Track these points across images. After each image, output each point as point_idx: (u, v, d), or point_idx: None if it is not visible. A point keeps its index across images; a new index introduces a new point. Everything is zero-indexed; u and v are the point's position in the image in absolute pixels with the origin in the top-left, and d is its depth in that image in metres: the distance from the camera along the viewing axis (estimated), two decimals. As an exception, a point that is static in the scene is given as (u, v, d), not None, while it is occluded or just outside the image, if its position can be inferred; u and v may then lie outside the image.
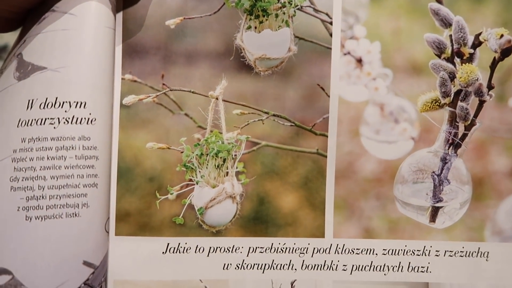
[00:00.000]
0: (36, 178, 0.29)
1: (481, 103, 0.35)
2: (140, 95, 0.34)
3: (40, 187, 0.29)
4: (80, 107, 0.30)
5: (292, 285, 0.35)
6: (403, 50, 0.35)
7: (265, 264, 0.35)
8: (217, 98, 0.34)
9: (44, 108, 0.30)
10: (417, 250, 0.35)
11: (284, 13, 0.34)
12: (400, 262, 0.35)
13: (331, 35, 0.34)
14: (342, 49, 0.35)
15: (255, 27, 0.34)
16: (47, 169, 0.29)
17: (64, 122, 0.30)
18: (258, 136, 0.35)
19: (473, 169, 0.36)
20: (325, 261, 0.35)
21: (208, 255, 0.34)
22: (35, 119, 0.29)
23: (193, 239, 0.34)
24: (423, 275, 0.35)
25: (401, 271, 0.35)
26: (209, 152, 0.34)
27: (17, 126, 0.29)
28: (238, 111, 0.34)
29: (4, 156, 0.29)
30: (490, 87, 0.35)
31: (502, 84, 0.36)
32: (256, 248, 0.35)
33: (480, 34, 0.35)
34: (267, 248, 0.35)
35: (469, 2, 0.36)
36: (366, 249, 0.35)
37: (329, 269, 0.35)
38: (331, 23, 0.34)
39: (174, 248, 0.34)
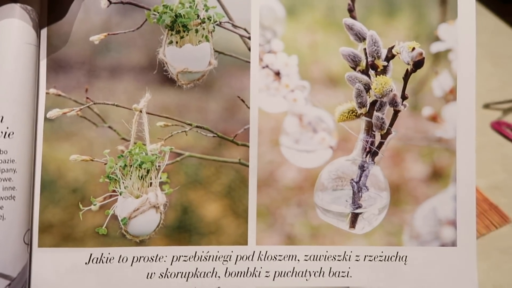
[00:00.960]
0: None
1: (396, 112, 0.36)
2: (64, 108, 0.34)
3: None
4: (-3, 121, 0.30)
5: (216, 292, 0.35)
6: (320, 63, 0.36)
7: (189, 272, 0.34)
8: (140, 111, 0.34)
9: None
10: (338, 256, 0.35)
11: (203, 29, 0.35)
12: (321, 268, 0.35)
13: (249, 49, 0.35)
14: (261, 63, 0.35)
15: (176, 42, 0.35)
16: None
17: (-20, 136, 0.30)
18: (181, 147, 0.35)
19: (390, 176, 0.36)
20: (248, 268, 0.35)
21: (131, 265, 0.34)
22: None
23: (116, 249, 0.34)
24: (344, 280, 0.35)
25: (323, 276, 0.35)
26: (133, 164, 0.34)
27: None
28: (162, 123, 0.35)
29: None
30: (404, 97, 0.36)
31: (415, 94, 0.37)
32: (180, 256, 0.34)
33: (392, 47, 0.36)
34: (191, 257, 0.35)
35: (382, 17, 0.37)
36: (288, 256, 0.35)
37: (252, 276, 0.35)
38: (249, 38, 0.35)
39: (97, 258, 0.34)
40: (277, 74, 0.36)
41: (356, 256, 0.35)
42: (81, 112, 0.34)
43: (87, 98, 0.34)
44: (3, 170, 0.30)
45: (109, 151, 0.34)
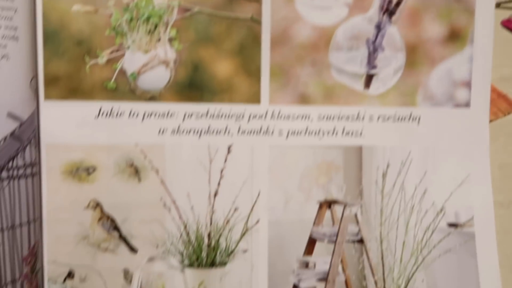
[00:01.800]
0: None
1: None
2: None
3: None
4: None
5: (228, 149, 0.34)
6: None
7: (201, 130, 0.33)
8: (146, -41, 0.32)
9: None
10: (352, 116, 0.34)
11: None
12: (334, 127, 0.34)
13: None
14: None
15: None
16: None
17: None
18: (191, 1, 0.32)
19: (407, 37, 0.34)
20: (261, 126, 0.34)
21: (142, 120, 0.33)
22: None
23: (126, 103, 0.32)
24: (357, 139, 0.34)
25: (336, 135, 0.34)
26: (140, 17, 0.32)
27: None
28: (169, -27, 0.32)
29: None
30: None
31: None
32: (192, 113, 0.33)
33: None
34: (203, 114, 0.33)
35: None
36: (301, 115, 0.34)
37: (265, 135, 0.34)
38: None
39: (107, 112, 0.32)
40: None
41: (370, 116, 0.34)
42: (84, -41, 0.31)
43: None
44: (3, 8, 0.28)
45: (114, 2, 0.31)
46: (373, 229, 0.35)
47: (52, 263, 0.32)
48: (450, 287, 0.34)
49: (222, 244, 0.34)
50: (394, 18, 0.34)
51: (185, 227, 0.33)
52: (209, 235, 0.34)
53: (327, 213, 0.35)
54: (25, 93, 0.29)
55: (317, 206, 0.34)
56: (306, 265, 0.34)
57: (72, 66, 0.31)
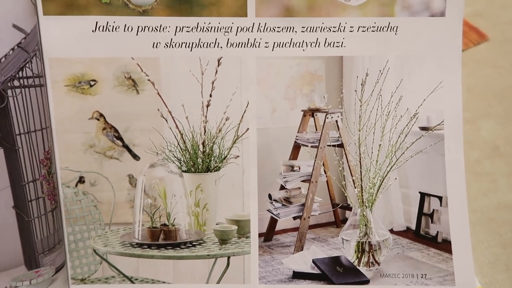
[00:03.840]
0: None
1: None
2: None
3: None
4: None
5: (218, 61, 0.35)
6: None
7: (193, 43, 0.34)
8: None
9: None
10: (333, 27, 0.35)
11: None
12: (317, 39, 0.35)
13: None
14: None
15: None
16: None
17: None
18: None
19: None
20: (248, 39, 0.34)
21: (137, 34, 0.33)
22: None
23: (121, 18, 0.33)
24: (338, 50, 0.35)
25: (318, 46, 0.35)
26: None
27: None
28: None
29: None
30: None
31: None
32: (183, 27, 0.33)
33: None
34: (193, 27, 0.34)
35: None
36: (286, 27, 0.34)
37: (252, 47, 0.35)
38: None
39: (103, 26, 0.33)
40: None
41: (350, 27, 0.35)
42: None
43: None
44: None
45: None
46: (352, 135, 0.36)
47: (64, 169, 0.34)
48: (419, 183, 0.37)
49: (216, 151, 0.36)
50: None
51: (181, 135, 0.35)
52: (203, 143, 0.36)
53: (310, 121, 0.36)
54: (26, 6, 0.29)
55: (301, 114, 0.36)
56: (291, 168, 0.37)
57: (67, -18, 0.32)
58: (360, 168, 0.36)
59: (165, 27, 0.33)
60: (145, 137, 0.34)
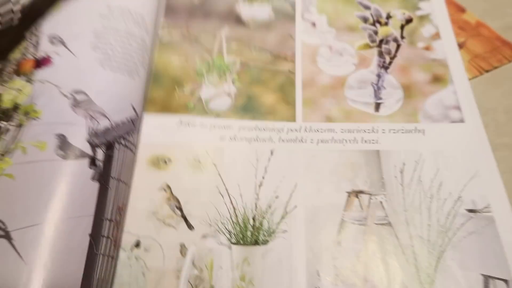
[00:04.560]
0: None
1: (398, 45, 0.47)
2: (171, 35, 0.48)
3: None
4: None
5: (271, 152, 0.40)
6: (341, 19, 0.50)
7: (251, 138, 0.41)
8: (221, 37, 0.48)
9: None
10: (367, 129, 0.42)
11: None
12: (355, 137, 0.41)
13: (294, 9, 0.50)
14: (302, 17, 0.49)
15: (248, 4, 0.50)
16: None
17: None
18: (248, 59, 0.46)
19: (401, 80, 0.45)
20: (297, 137, 0.41)
21: (209, 130, 0.42)
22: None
23: (199, 118, 0.42)
24: (374, 145, 0.40)
25: (356, 143, 0.41)
26: (214, 67, 0.45)
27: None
28: (236, 45, 0.47)
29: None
30: (402, 37, 0.48)
31: (410, 36, 0.48)
32: (245, 127, 0.42)
33: (389, 12, 0.50)
34: (253, 128, 0.42)
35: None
36: (327, 129, 0.42)
37: (300, 142, 0.41)
38: (293, 4, 0.50)
39: (185, 122, 0.42)
40: (313, 24, 0.49)
41: (382, 129, 0.41)
42: (183, 36, 0.47)
43: (187, 29, 0.48)
44: (144, 58, 0.42)
45: (198, 57, 0.46)
46: (399, 215, 0.37)
47: (126, 232, 0.36)
48: (478, 264, 0.33)
49: (265, 225, 0.37)
50: (389, 70, 0.46)
51: (234, 210, 0.38)
52: (253, 218, 0.37)
53: (355, 201, 0.38)
54: (139, 101, 0.40)
55: (346, 195, 0.38)
56: (339, 244, 0.36)
57: (167, 93, 0.44)
58: (412, 247, 0.35)
59: (231, 126, 0.42)
60: (202, 210, 0.37)
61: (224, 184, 0.38)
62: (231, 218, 0.36)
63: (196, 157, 0.40)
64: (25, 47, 0.38)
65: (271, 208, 0.37)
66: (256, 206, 0.37)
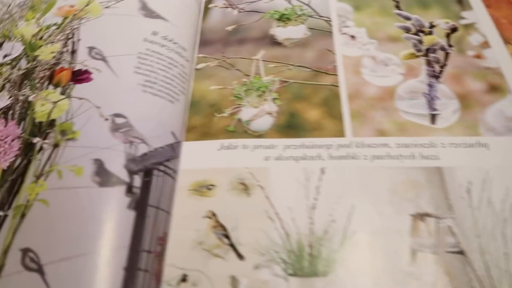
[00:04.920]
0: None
1: (447, 53, 0.44)
2: (207, 63, 0.46)
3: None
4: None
5: (322, 171, 0.37)
6: (381, 31, 0.47)
7: (298, 157, 0.38)
8: (258, 60, 0.46)
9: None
10: (425, 144, 0.38)
11: (299, 19, 0.49)
12: (412, 153, 0.37)
13: (330, 25, 0.48)
14: (340, 31, 0.47)
15: (282, 26, 0.49)
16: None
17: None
18: (287, 78, 0.44)
19: (455, 90, 0.41)
20: (348, 153, 0.38)
21: (252, 151, 0.39)
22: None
23: (240, 140, 0.40)
24: (434, 162, 0.36)
25: (414, 159, 0.37)
26: (253, 88, 0.43)
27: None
28: (273, 65, 0.45)
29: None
30: (449, 45, 0.45)
31: (458, 44, 0.45)
32: (290, 145, 0.39)
33: (432, 22, 0.47)
34: (299, 146, 0.39)
35: (420, 10, 0.49)
36: (381, 144, 0.38)
37: (352, 159, 0.37)
38: (329, 20, 0.48)
39: (226, 146, 0.39)
40: (352, 37, 0.47)
41: (441, 143, 0.37)
42: (219, 63, 0.46)
43: (223, 56, 0.46)
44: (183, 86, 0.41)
45: (236, 82, 0.44)
46: (471, 241, 0.32)
47: (170, 265, 0.33)
48: None
49: (323, 253, 0.33)
50: (440, 79, 0.42)
51: (288, 237, 0.34)
52: (310, 245, 0.33)
53: (421, 225, 0.34)
54: (180, 127, 0.38)
55: (409, 219, 0.34)
56: (411, 275, 0.31)
57: (206, 119, 0.41)
58: (490, 279, 0.30)
59: (275, 146, 0.39)
60: (252, 237, 0.34)
61: (274, 208, 0.35)
62: (284, 245, 0.33)
63: (241, 180, 0.36)
64: (59, 51, 0.36)
65: (328, 234, 0.33)
66: (311, 232, 0.33)
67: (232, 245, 0.33)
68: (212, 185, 0.36)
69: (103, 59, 0.36)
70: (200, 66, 0.45)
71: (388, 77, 0.42)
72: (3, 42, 0.35)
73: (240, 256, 0.33)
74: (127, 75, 0.36)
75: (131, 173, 0.32)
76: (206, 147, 0.39)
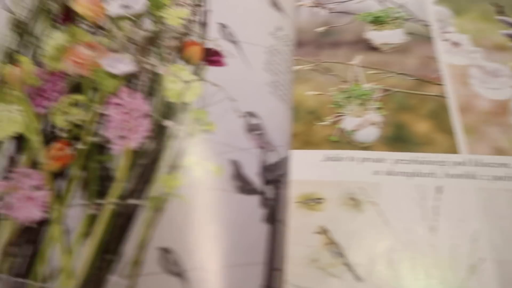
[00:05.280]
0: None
1: None
2: (302, 65, 0.44)
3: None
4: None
5: (438, 190, 0.34)
6: (485, 39, 0.44)
7: (410, 173, 0.36)
8: (355, 65, 0.43)
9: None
10: (551, 164, 0.35)
11: (395, 22, 0.46)
12: (538, 173, 0.34)
13: (428, 29, 0.45)
14: (441, 37, 0.44)
15: (377, 29, 0.46)
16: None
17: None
18: (389, 86, 0.41)
19: None
20: (465, 171, 0.35)
21: (359, 164, 0.37)
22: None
23: (346, 151, 0.37)
24: None
25: (542, 180, 0.34)
26: (353, 96, 0.41)
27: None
28: (372, 72, 0.42)
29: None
30: None
31: None
32: (401, 160, 0.36)
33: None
34: (410, 161, 0.36)
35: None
36: (501, 164, 0.35)
37: (471, 178, 0.35)
38: (428, 25, 0.45)
39: (331, 157, 0.37)
40: (455, 43, 0.44)
41: None
42: (313, 67, 0.43)
43: (317, 59, 0.44)
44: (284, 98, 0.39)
45: (334, 88, 0.42)
46: None
47: (289, 284, 0.31)
48: None
49: (449, 279, 0.31)
50: (560, 94, 0.39)
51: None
52: (430, 269, 0.31)
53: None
54: (288, 134, 0.36)
55: (546, 246, 0.31)
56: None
57: (306, 127, 0.39)
58: None
59: (384, 159, 0.36)
60: (368, 257, 0.32)
61: (388, 227, 0.32)
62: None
63: (351, 195, 0.34)
64: (188, 18, 0.30)
65: (454, 260, 0.30)
66: (432, 256, 0.31)
67: (348, 265, 0.31)
68: (321, 199, 0.34)
69: (236, 43, 0.32)
70: (295, 71, 0.43)
71: (500, 89, 0.39)
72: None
73: (357, 278, 0.31)
74: (257, 69, 0.32)
75: (265, 182, 0.30)
76: (310, 157, 0.37)
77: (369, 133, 0.38)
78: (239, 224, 0.27)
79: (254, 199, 0.28)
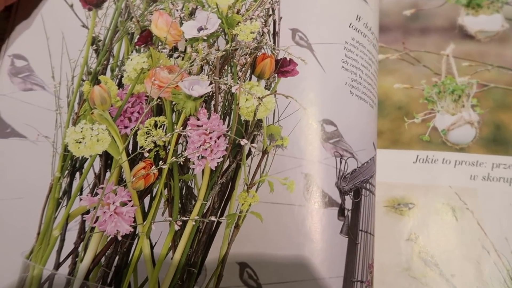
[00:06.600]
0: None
1: None
2: (386, 54, 0.41)
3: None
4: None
5: (543, 199, 0.32)
6: None
7: (510, 179, 0.33)
8: (447, 56, 0.40)
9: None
10: None
11: (494, 6, 0.41)
12: None
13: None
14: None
15: (472, 14, 0.41)
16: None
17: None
18: (486, 80, 0.38)
19: None
20: None
21: (454, 167, 0.35)
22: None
23: (439, 152, 0.35)
24: None
25: None
26: (446, 90, 0.38)
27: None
28: (467, 64, 0.39)
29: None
30: None
31: None
32: (500, 164, 0.34)
33: None
34: (511, 165, 0.34)
35: None
36: None
37: None
38: (535, 6, 0.40)
39: (423, 159, 0.35)
40: None
41: None
42: (400, 56, 0.40)
43: (405, 47, 0.41)
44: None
45: (425, 81, 0.39)
46: None
47: (374, 289, 0.31)
48: None
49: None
50: None
51: (508, 273, 0.30)
52: (535, 285, 0.30)
53: None
54: (376, 135, 0.34)
55: None
56: None
57: (393, 124, 0.37)
58: None
59: (481, 163, 0.34)
60: (463, 268, 0.30)
61: (488, 237, 0.31)
62: (505, 282, 0.29)
63: (446, 201, 0.33)
64: (260, 31, 0.27)
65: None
66: (534, 270, 0.29)
67: (442, 275, 0.30)
68: (412, 204, 0.33)
69: (309, 46, 0.30)
70: (380, 60, 0.40)
71: None
72: (196, 8, 0.29)
73: (453, 288, 0.30)
74: (334, 70, 0.30)
75: (342, 193, 0.29)
76: (399, 157, 0.35)
77: (465, 133, 0.35)
78: (319, 238, 0.26)
79: (332, 212, 0.27)
